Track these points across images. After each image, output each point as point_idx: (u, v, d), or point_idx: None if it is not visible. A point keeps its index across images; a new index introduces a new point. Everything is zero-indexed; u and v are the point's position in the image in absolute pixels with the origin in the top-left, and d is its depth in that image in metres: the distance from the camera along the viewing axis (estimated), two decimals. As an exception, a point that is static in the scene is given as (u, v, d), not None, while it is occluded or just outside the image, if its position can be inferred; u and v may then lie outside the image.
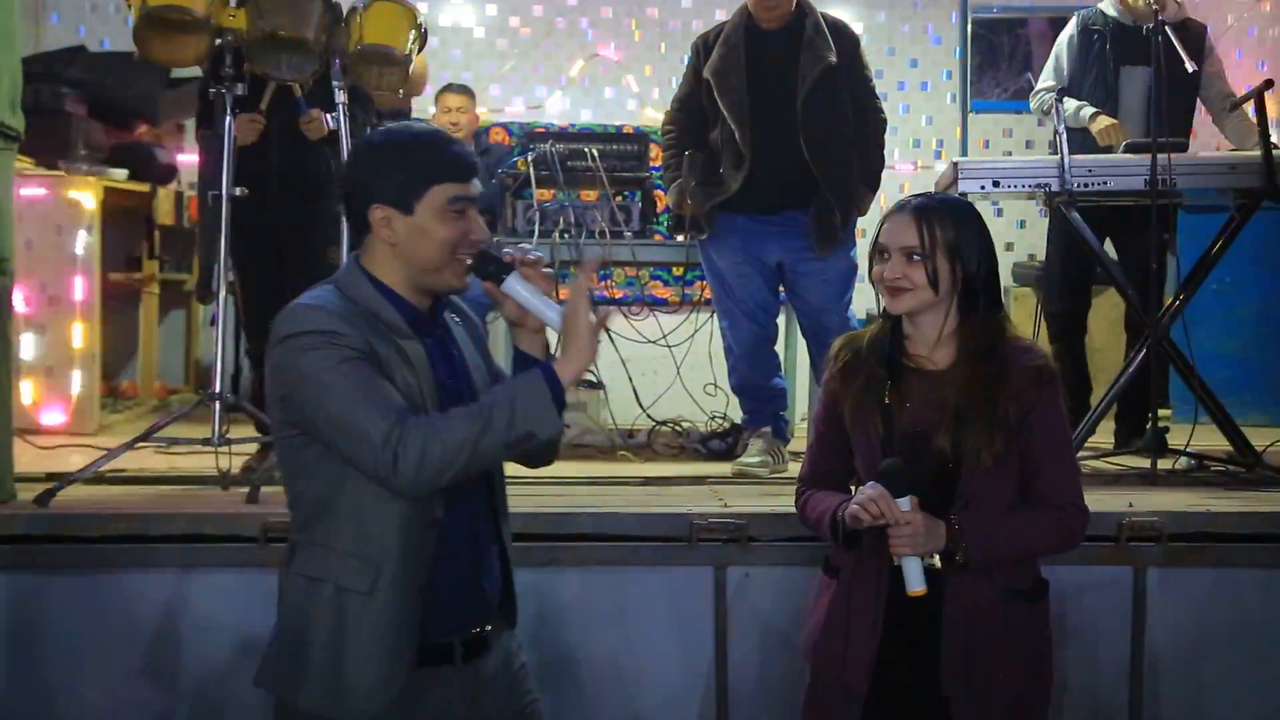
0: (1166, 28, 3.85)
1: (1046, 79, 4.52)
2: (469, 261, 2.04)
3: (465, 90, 5.87)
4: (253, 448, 3.80)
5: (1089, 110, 4.22)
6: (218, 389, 3.53)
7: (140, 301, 5.61)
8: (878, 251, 2.27)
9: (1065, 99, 4.36)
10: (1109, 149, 4.14)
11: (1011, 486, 2.25)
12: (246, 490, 3.31)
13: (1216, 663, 3.13)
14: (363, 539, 2.00)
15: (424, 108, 6.43)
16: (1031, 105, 4.59)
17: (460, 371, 2.11)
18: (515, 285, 2.02)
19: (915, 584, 2.13)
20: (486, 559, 2.13)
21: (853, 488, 2.34)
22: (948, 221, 2.23)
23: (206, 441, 3.48)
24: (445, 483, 1.94)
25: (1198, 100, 4.37)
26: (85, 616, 3.05)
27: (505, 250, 2.07)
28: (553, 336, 2.07)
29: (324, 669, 2.00)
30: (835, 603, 2.27)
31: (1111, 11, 4.41)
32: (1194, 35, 3.98)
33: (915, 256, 2.21)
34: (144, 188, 5.42)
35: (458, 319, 2.18)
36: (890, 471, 2.14)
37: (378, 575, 1.99)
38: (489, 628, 2.12)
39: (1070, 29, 4.49)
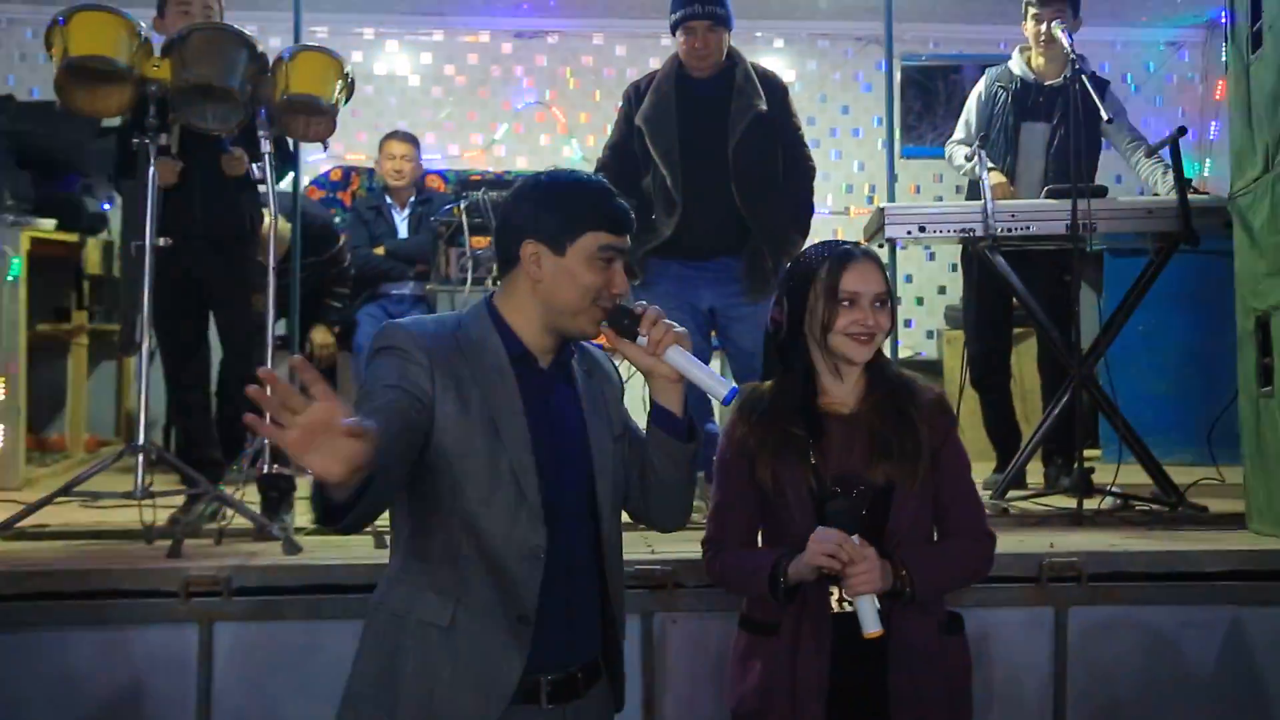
0: (1083, 77, 3.94)
1: (958, 133, 4.64)
2: (605, 310, 2.05)
3: (410, 138, 5.86)
4: (179, 500, 3.73)
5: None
6: (141, 440, 3.48)
7: (69, 352, 5.52)
8: (842, 300, 2.23)
9: (959, 150, 4.46)
10: None
11: (930, 519, 2.28)
12: (169, 544, 3.26)
13: (1137, 701, 3.14)
14: (435, 571, 1.99)
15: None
16: (945, 155, 4.69)
17: (562, 418, 2.08)
18: (674, 354, 2.05)
19: (871, 625, 2.08)
20: (584, 601, 2.09)
21: (758, 540, 2.34)
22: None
23: (129, 495, 3.42)
24: None
25: (1100, 151, 4.48)
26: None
27: (639, 304, 2.08)
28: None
29: (416, 703, 1.97)
30: (776, 662, 2.23)
31: (1017, 70, 4.52)
32: (1098, 88, 4.09)
33: (882, 303, 2.25)
34: (72, 238, 5.34)
35: (587, 370, 2.17)
36: (839, 513, 2.14)
37: (456, 607, 1.97)
38: (580, 674, 2.08)
39: (979, 86, 4.61)
